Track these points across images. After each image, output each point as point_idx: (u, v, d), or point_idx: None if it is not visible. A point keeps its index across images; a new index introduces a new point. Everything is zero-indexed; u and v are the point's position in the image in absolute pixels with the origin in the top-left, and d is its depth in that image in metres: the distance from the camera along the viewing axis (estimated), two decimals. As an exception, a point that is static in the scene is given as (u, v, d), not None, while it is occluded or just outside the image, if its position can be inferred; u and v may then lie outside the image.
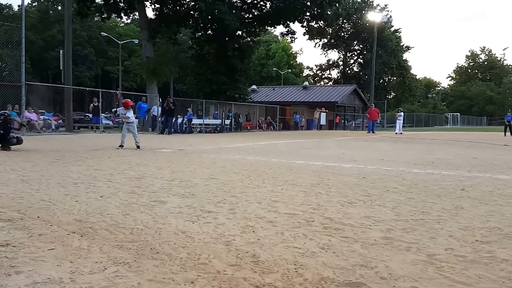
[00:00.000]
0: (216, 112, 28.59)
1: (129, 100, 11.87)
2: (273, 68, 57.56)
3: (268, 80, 57.76)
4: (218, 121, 26.83)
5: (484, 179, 6.26)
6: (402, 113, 27.99)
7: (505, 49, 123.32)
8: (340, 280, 2.28)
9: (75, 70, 34.22)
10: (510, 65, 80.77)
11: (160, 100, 22.07)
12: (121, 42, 42.53)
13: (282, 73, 55.55)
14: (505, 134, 25.05)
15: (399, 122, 26.76)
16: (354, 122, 45.20)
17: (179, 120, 22.28)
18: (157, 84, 25.44)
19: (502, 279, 2.32)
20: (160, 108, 21.24)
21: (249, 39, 31.97)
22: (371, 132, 25.97)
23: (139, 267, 2.41)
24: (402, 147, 14.02)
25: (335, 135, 24.04)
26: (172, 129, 20.51)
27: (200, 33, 31.29)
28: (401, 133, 25.67)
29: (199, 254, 2.64)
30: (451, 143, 16.16)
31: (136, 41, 42.68)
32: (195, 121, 24.53)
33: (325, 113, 34.90)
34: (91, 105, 21.63)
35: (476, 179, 6.19)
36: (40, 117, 20.25)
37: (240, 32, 30.80)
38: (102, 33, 46.33)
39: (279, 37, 58.87)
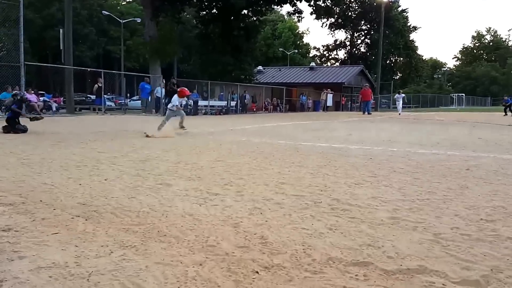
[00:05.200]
0: (222, 93, 28.45)
1: (186, 88, 10.87)
2: (279, 49, 56.95)
3: (274, 60, 57.21)
4: (224, 103, 26.70)
5: (489, 159, 6.23)
6: (402, 95, 28.19)
7: (510, 30, 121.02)
8: (348, 259, 2.29)
9: (75, 50, 33.84)
10: (515, 45, 79.50)
11: (164, 81, 21.92)
12: (123, 21, 42.06)
13: (288, 53, 54.96)
14: (505, 114, 25.05)
15: (399, 103, 26.89)
16: (360, 103, 44.89)
17: (184, 102, 22.16)
18: (160, 65, 25.19)
19: (507, 257, 2.33)
20: (163, 89, 21.11)
21: (255, 18, 31.48)
22: (366, 113, 25.77)
23: (146, 250, 2.42)
24: (408, 127, 13.94)
25: (342, 116, 23.92)
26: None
27: (204, 12, 30.85)
28: (399, 114, 25.91)
29: (207, 237, 2.65)
30: (456, 124, 16.03)
31: (139, 20, 41.88)
32: (201, 102, 24.42)
33: (331, 94, 34.65)
34: (96, 85, 21.30)
35: (481, 159, 6.16)
36: (40, 98, 20.17)
37: (245, 11, 30.33)
38: (103, 11, 45.50)
39: (286, 17, 58.05)
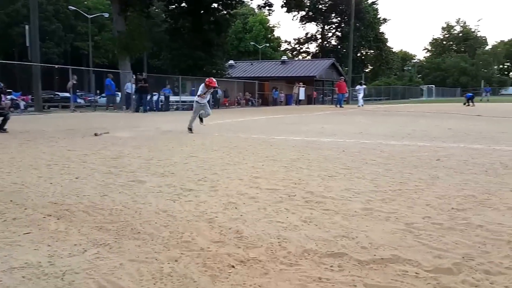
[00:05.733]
0: (193, 88, 28.11)
1: (213, 79, 10.06)
2: (251, 42, 56.82)
3: (245, 54, 57.06)
4: (196, 98, 26.39)
5: (458, 149, 6.42)
6: (363, 86, 27.71)
7: (479, 20, 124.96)
8: (323, 251, 2.31)
9: (42, 47, 32.76)
10: (483, 36, 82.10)
11: (134, 77, 21.52)
12: (91, 16, 40.92)
13: (260, 47, 54.93)
14: (468, 104, 26.25)
15: (359, 96, 26.56)
16: (332, 96, 45.43)
17: (155, 98, 21.84)
18: (130, 60, 24.71)
19: (477, 244, 2.40)
20: (134, 85, 20.73)
21: (225, 12, 31.26)
22: (338, 106, 25.92)
23: (120, 248, 2.38)
24: (380, 120, 14.21)
25: (314, 109, 24.15)
26: (148, 107, 20.13)
27: (173, 6, 30.38)
28: (360, 106, 25.48)
29: (181, 233, 2.62)
30: (427, 115, 16.47)
31: (107, 15, 40.84)
32: (172, 98, 24.09)
33: (304, 88, 34.90)
34: (70, 82, 20.70)
35: (451, 149, 6.34)
36: (7, 97, 19.47)
37: (215, 5, 30.05)
38: (69, 7, 44.14)
39: (256, 10, 57.87)
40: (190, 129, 9.60)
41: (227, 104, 29.56)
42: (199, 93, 9.66)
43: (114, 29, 26.04)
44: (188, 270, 2.08)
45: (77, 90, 22.66)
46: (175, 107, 24.11)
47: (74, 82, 20.05)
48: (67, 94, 21.51)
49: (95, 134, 8.69)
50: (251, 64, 44.27)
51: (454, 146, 6.72)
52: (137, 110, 19.94)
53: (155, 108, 21.62)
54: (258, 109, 27.17)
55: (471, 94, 27.98)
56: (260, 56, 53.78)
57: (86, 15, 40.94)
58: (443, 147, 6.60)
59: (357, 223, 2.82)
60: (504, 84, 73.51)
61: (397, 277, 2.01)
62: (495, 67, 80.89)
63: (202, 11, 28.25)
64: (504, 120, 13.05)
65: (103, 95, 27.93)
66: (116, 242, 2.46)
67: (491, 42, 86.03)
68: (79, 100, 23.70)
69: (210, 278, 1.99)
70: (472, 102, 26.78)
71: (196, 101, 9.85)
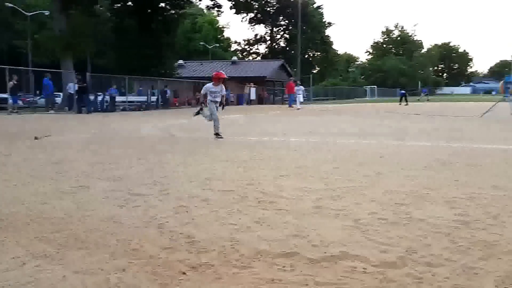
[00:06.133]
0: (141, 88, 27.34)
1: (222, 72, 8.90)
2: (200, 43, 56.28)
3: (195, 54, 56.38)
4: (144, 98, 25.73)
5: (400, 146, 6.74)
6: (299, 87, 26.82)
7: (415, 25, 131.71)
8: (276, 251, 2.32)
9: (-23, 46, 30.54)
10: (419, 40, 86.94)
11: (79, 77, 20.61)
12: (30, 14, 38.68)
13: (209, 47, 54.56)
14: (400, 103, 27.71)
15: (299, 96, 25.65)
16: (282, 96, 46.06)
17: (99, 98, 21.06)
18: (72, 60, 23.61)
19: (420, 237, 2.52)
20: (76, 86, 19.88)
21: (173, 12, 30.74)
22: (292, 105, 26.08)
23: (62, 259, 2.24)
24: (328, 119, 14.60)
25: (265, 109, 24.35)
26: (92, 108, 19.37)
27: (119, 4, 29.44)
28: (298, 107, 24.58)
29: (129, 240, 2.52)
30: (372, 114, 17.15)
31: (47, 13, 38.81)
32: (118, 98, 23.29)
33: (254, 88, 35.12)
34: (10, 83, 19.31)
35: (394, 147, 6.64)
36: None
37: (163, 4, 29.49)
38: (6, 3, 41.51)
39: (205, 11, 57.46)
40: (218, 134, 8.15)
41: (177, 104, 29.03)
42: (204, 92, 8.43)
43: (54, 27, 24.76)
44: (137, 279, 2.00)
45: (20, 92, 21.28)
46: (121, 107, 23.35)
47: (15, 82, 18.86)
48: (3, 95, 20.15)
49: (36, 138, 8.20)
50: (201, 64, 43.91)
51: (396, 144, 7.03)
52: (79, 111, 19.10)
53: (99, 109, 20.82)
54: (208, 109, 26.94)
55: (403, 91, 29.70)
56: (210, 56, 53.41)
57: (25, 12, 38.62)
58: (386, 145, 6.89)
59: (308, 221, 2.86)
60: (438, 84, 78.12)
61: (346, 273, 2.05)
62: (430, 68, 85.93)
63: (149, 10, 27.59)
64: (441, 118, 13.86)
65: (42, 96, 26.49)
66: (58, 253, 2.32)
67: (426, 45, 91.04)
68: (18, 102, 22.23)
69: (160, 286, 1.93)
70: (406, 100, 28.17)
71: (211, 101, 8.34)
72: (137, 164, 5.25)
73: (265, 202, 3.35)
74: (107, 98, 21.88)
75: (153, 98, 25.82)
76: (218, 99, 8.34)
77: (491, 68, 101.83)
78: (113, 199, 3.50)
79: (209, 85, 8.42)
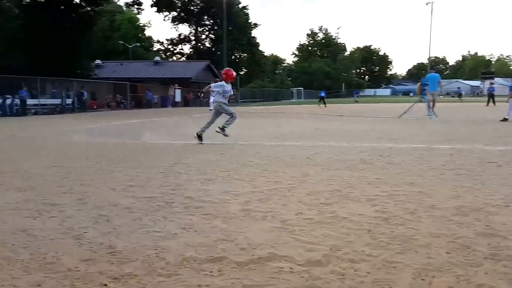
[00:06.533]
0: (55, 90, 25.46)
1: (231, 69, 8.30)
2: (120, 41, 53.95)
3: (114, 54, 53.89)
4: (58, 101, 24.02)
5: (325, 147, 7.02)
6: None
7: (338, 28, 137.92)
8: (203, 257, 2.28)
9: None
10: (343, 43, 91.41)
11: None
12: None
13: (130, 46, 52.54)
14: (319, 105, 29.57)
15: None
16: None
17: (8, 101, 19.33)
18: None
19: (343, 235, 2.62)
20: None
21: (89, 9, 29.14)
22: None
23: (-35, 280, 2.00)
24: (256, 122, 14.80)
25: (191, 112, 24.04)
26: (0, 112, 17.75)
27: (28, 0, 27.29)
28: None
29: (44, 253, 2.33)
30: (298, 116, 17.70)
31: None
32: (30, 101, 21.50)
33: (180, 90, 34.54)
34: None
35: (319, 148, 6.90)
36: None
37: (77, 0, 27.85)
38: None
39: (124, 8, 55.22)
40: (199, 136, 7.67)
41: (95, 107, 27.51)
42: (219, 89, 7.91)
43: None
44: (53, 296, 1.84)
45: None
46: (33, 111, 21.60)
47: None
48: None
49: None
50: (121, 64, 42.21)
51: (321, 145, 7.31)
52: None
53: (9, 113, 19.12)
54: (131, 112, 25.98)
55: (324, 93, 31.45)
56: (131, 56, 51.45)
57: None
58: (312, 146, 7.14)
59: (236, 225, 2.85)
60: (361, 86, 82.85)
61: (273, 274, 2.07)
62: (353, 71, 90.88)
63: (62, 7, 25.87)
64: (364, 120, 14.70)
65: None
66: (-42, 274, 2.06)
67: (349, 48, 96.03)
68: None
69: (78, 302, 1.79)
70: (324, 102, 29.68)
71: (217, 102, 7.99)
72: (52, 171, 4.88)
73: (191, 208, 3.29)
74: (17, 101, 20.13)
75: (69, 101, 24.20)
76: (226, 101, 8.03)
77: (409, 70, 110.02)
78: (25, 210, 3.21)
79: (223, 83, 7.99)
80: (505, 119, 12.37)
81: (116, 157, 6.04)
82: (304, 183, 4.15)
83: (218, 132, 7.78)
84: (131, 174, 4.70)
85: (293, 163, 5.40)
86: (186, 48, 65.25)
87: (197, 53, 60.45)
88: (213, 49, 61.13)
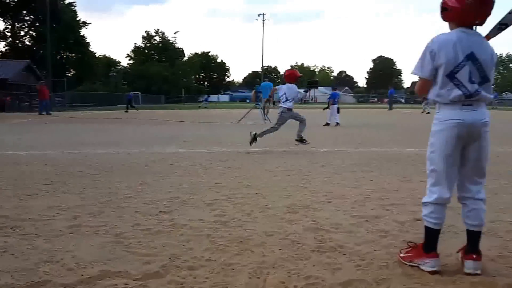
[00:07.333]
0: None
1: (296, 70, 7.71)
2: None
3: None
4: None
5: (165, 154, 6.89)
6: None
7: (175, 32, 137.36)
8: (21, 283, 2.00)
9: None
10: (181, 48, 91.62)
11: None
12: None
13: None
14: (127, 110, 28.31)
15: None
16: (30, 102, 40.46)
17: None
18: None
19: (183, 243, 2.59)
20: None
21: None
22: (44, 113, 23.25)
23: None
24: (87, 128, 13.66)
25: (11, 118, 20.74)
26: None
27: None
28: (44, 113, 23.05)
29: None
30: (135, 122, 17.00)
31: None
32: None
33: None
34: None
35: (159, 155, 6.73)
36: None
37: None
38: None
39: None
40: (255, 138, 7.13)
41: None
42: (299, 96, 7.62)
43: None
44: None
45: None
46: None
47: None
48: None
49: None
50: None
51: (161, 151, 7.15)
52: None
53: None
54: None
55: (131, 95, 31.29)
56: None
57: None
58: (151, 153, 6.92)
59: (62, 243, 2.55)
60: (201, 92, 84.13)
61: (106, 293, 1.91)
62: (193, 76, 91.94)
63: None
64: (205, 125, 14.92)
65: None
66: None
67: (188, 53, 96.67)
68: None
69: None
70: (133, 107, 29.30)
71: (283, 107, 7.41)
72: None
73: (7, 228, 2.83)
74: None
75: None
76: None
77: (245, 78, 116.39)
78: None
79: (294, 86, 7.46)
80: (327, 124, 14.23)
81: None
82: (141, 192, 3.98)
83: (297, 144, 7.55)
84: None
85: (130, 171, 5.13)
86: (1, 46, 56.48)
87: (15, 52, 52.82)
88: (35, 48, 54.32)
